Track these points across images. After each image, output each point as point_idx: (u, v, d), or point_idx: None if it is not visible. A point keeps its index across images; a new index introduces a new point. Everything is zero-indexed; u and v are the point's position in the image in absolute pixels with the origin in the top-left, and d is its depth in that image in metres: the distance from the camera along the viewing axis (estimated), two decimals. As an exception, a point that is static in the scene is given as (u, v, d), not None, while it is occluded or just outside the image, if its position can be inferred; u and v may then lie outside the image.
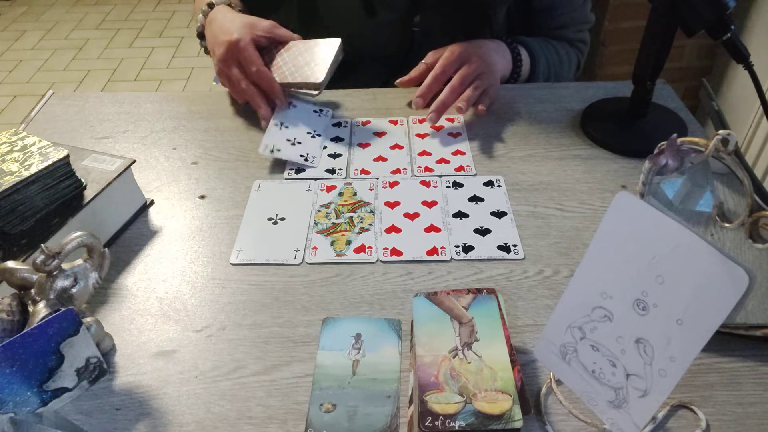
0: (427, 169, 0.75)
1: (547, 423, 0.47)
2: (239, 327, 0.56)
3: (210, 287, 0.60)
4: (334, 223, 0.67)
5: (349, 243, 0.64)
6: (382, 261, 0.62)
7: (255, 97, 0.80)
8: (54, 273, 0.48)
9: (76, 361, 0.45)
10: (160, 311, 0.58)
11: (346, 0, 0.90)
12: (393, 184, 0.72)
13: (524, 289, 0.59)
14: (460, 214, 0.67)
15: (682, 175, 0.54)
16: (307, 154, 0.77)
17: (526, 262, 0.62)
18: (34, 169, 0.58)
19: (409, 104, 0.85)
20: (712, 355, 0.52)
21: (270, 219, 0.68)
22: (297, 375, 0.51)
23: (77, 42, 3.16)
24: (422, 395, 0.46)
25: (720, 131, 0.50)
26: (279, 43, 0.84)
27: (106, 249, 0.52)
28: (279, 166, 0.76)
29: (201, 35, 0.89)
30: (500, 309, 0.53)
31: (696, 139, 0.53)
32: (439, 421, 0.44)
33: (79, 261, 0.51)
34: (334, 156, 0.77)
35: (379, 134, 0.81)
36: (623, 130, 0.79)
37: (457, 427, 0.44)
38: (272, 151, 0.76)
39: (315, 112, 0.85)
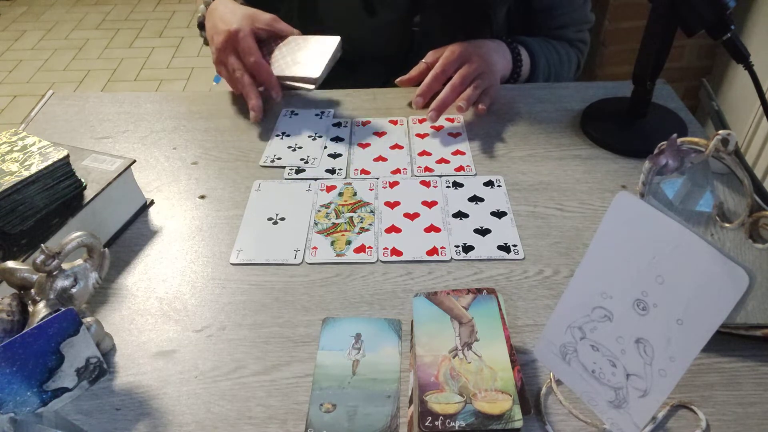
0: (427, 169, 0.75)
1: (547, 423, 0.47)
2: (239, 327, 0.56)
3: (210, 287, 0.60)
4: (334, 223, 0.67)
5: (349, 243, 0.64)
6: (382, 261, 0.62)
7: (248, 87, 0.80)
8: (54, 273, 0.48)
9: (76, 361, 0.45)
10: (160, 311, 0.58)
11: (346, 0, 0.90)
12: (393, 184, 0.72)
13: (524, 289, 0.59)
14: (460, 214, 0.67)
15: (682, 175, 0.54)
16: (308, 156, 0.77)
17: (526, 262, 0.62)
18: (34, 169, 0.58)
19: (410, 104, 0.85)
20: (712, 355, 0.52)
21: (270, 219, 0.68)
22: (297, 375, 0.51)
23: (77, 42, 3.16)
24: (422, 395, 0.46)
25: (720, 131, 0.50)
26: (278, 37, 0.84)
27: (106, 249, 0.52)
28: (279, 166, 0.76)
29: (201, 25, 0.89)
30: (500, 309, 0.53)
31: (696, 139, 0.53)
32: (439, 421, 0.44)
33: (79, 261, 0.51)
34: (334, 156, 0.77)
35: (379, 134, 0.81)
36: (623, 130, 0.79)
37: (457, 427, 0.44)
38: (273, 161, 0.76)
39: (317, 115, 0.85)
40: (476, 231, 0.65)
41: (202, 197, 0.71)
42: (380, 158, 0.77)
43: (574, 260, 0.62)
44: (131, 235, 0.67)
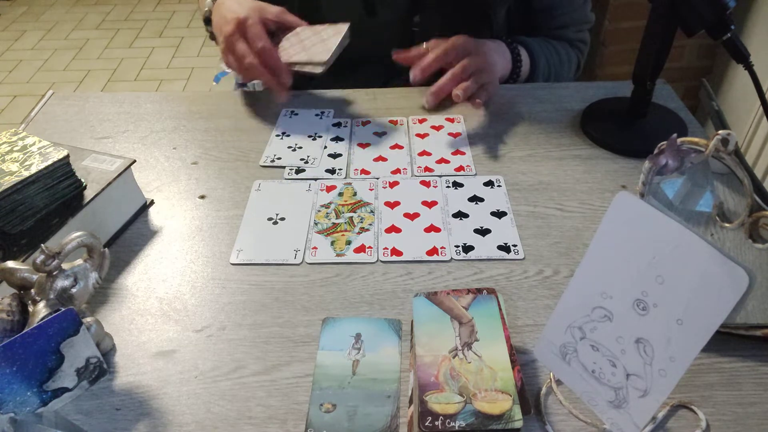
0: (427, 169, 0.75)
1: (547, 423, 0.47)
2: (239, 327, 0.56)
3: (210, 287, 0.60)
4: (334, 223, 0.67)
5: (349, 243, 0.64)
6: (382, 261, 0.62)
7: (259, 70, 0.79)
8: (54, 273, 0.48)
9: (76, 361, 0.45)
10: (160, 311, 0.58)
11: (347, 0, 0.90)
12: (393, 184, 0.72)
13: (524, 289, 0.59)
14: (460, 214, 0.67)
15: (682, 175, 0.54)
16: (308, 156, 0.77)
17: (526, 262, 0.62)
18: (34, 169, 0.58)
19: (410, 105, 0.85)
20: (712, 355, 0.52)
21: (270, 219, 0.68)
22: (297, 375, 0.51)
23: (77, 42, 3.16)
24: (422, 395, 0.46)
25: (720, 131, 0.50)
26: (287, 29, 0.83)
27: (106, 249, 0.52)
28: (279, 166, 0.76)
29: (208, 20, 0.88)
30: (500, 309, 0.53)
31: (696, 139, 0.53)
32: (439, 421, 0.44)
33: (79, 261, 0.51)
34: (334, 156, 0.77)
35: (379, 134, 0.81)
36: (623, 130, 0.79)
37: (457, 427, 0.44)
38: (273, 161, 0.76)
39: (317, 115, 0.85)
40: (476, 231, 0.65)
41: (202, 197, 0.71)
42: (380, 158, 0.77)
43: (574, 260, 0.62)
44: (131, 235, 0.67)
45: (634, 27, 1.92)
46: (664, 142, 0.54)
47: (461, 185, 0.72)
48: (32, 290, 0.49)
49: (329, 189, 0.72)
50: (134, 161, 0.67)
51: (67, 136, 0.82)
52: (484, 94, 0.83)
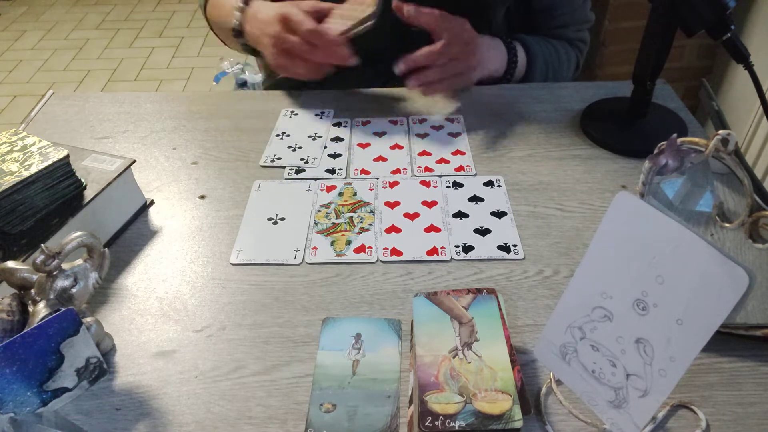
0: (427, 169, 0.75)
1: (547, 423, 0.47)
2: (239, 327, 0.56)
3: (210, 287, 0.60)
4: (334, 223, 0.67)
5: (349, 243, 0.64)
6: (382, 261, 0.62)
7: (319, 55, 0.77)
8: (54, 273, 0.48)
9: (76, 361, 0.45)
10: (160, 311, 0.58)
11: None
12: (393, 184, 0.72)
13: (524, 289, 0.59)
14: (460, 214, 0.67)
15: (682, 175, 0.54)
16: (308, 156, 0.77)
17: (526, 262, 0.62)
18: (34, 169, 0.58)
19: (410, 105, 0.85)
20: (712, 355, 0.52)
21: (270, 219, 0.68)
22: (297, 375, 0.51)
23: (77, 42, 3.16)
24: (422, 395, 0.46)
25: (720, 131, 0.50)
26: (324, 18, 0.81)
27: (106, 249, 0.52)
28: (279, 166, 0.76)
29: (239, 33, 0.86)
30: (500, 309, 0.53)
31: (696, 139, 0.53)
32: (439, 421, 0.44)
33: (79, 261, 0.51)
34: (334, 156, 0.77)
35: (379, 134, 0.81)
36: (623, 130, 0.79)
37: (457, 427, 0.44)
38: (273, 161, 0.76)
39: (317, 115, 0.85)
40: (476, 231, 0.65)
41: (202, 197, 0.71)
42: (380, 158, 0.77)
43: (574, 260, 0.62)
44: (131, 235, 0.67)
45: (634, 27, 1.92)
46: (664, 142, 0.54)
47: (461, 185, 0.72)
48: (32, 290, 0.49)
49: (329, 189, 0.72)
50: (134, 161, 0.67)
51: (67, 136, 0.82)
52: (453, 82, 0.81)
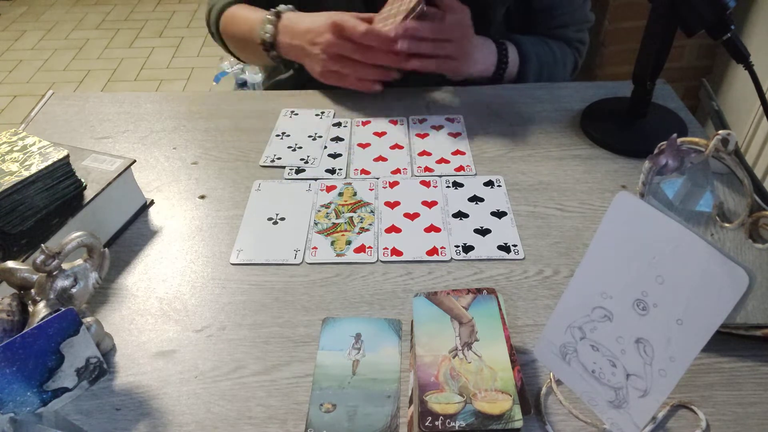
0: (427, 169, 0.75)
1: (547, 423, 0.47)
2: (239, 327, 0.56)
3: (210, 287, 0.60)
4: (334, 223, 0.67)
5: (349, 243, 0.64)
6: (382, 261, 0.62)
7: (378, 56, 0.77)
8: (54, 273, 0.48)
9: (76, 361, 0.45)
10: (160, 311, 0.58)
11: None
12: (393, 184, 0.72)
13: (524, 289, 0.59)
14: (460, 214, 0.67)
15: (682, 175, 0.54)
16: (308, 156, 0.77)
17: (526, 262, 0.62)
18: (34, 169, 0.58)
19: (410, 105, 0.85)
20: (712, 355, 0.52)
21: (270, 219, 0.68)
22: (297, 375, 0.51)
23: (77, 42, 3.16)
24: (422, 395, 0.46)
25: (720, 131, 0.50)
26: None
27: (106, 249, 0.52)
28: (279, 166, 0.76)
29: (270, 45, 0.85)
30: (500, 309, 0.53)
31: (696, 139, 0.53)
32: (439, 421, 0.44)
33: (79, 261, 0.51)
34: (334, 156, 0.77)
35: (379, 134, 0.81)
36: (623, 130, 0.79)
37: (457, 427, 0.44)
38: (273, 161, 0.76)
39: (317, 115, 0.85)
40: (476, 231, 0.65)
41: (202, 197, 0.71)
42: (380, 158, 0.77)
43: (574, 260, 0.62)
44: (131, 235, 0.67)
45: (634, 27, 1.92)
46: (664, 142, 0.54)
47: (461, 185, 0.72)
48: (32, 290, 0.49)
49: (329, 189, 0.72)
50: (134, 161, 0.67)
51: (67, 136, 0.82)
52: (443, 63, 0.81)
